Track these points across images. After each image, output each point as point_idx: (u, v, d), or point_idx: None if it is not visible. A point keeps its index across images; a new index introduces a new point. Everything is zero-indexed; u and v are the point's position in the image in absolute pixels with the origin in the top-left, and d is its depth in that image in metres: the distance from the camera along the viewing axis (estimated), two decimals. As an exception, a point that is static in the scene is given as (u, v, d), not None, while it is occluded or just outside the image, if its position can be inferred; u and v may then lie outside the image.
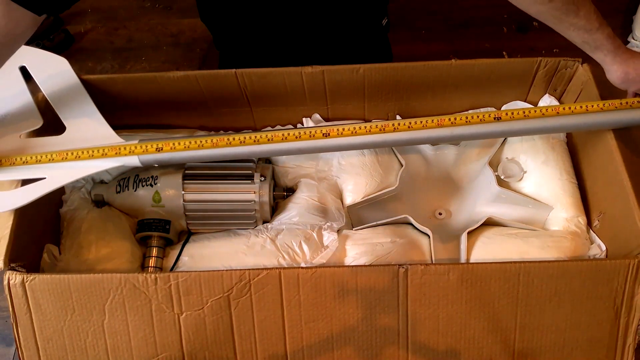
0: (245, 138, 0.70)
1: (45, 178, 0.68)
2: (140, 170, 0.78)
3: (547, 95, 0.84)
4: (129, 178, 0.78)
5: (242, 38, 0.93)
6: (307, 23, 0.89)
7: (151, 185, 0.77)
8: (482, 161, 0.81)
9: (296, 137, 0.70)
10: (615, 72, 0.70)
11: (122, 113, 0.82)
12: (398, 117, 0.86)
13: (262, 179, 0.78)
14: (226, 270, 0.64)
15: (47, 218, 0.75)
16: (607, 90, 0.74)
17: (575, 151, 0.80)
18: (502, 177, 0.79)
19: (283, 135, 0.71)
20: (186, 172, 0.77)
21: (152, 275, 0.63)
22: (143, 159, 0.70)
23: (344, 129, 0.70)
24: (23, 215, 0.67)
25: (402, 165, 0.82)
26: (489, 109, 0.85)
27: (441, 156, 0.85)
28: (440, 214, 0.83)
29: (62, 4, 0.66)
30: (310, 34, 0.91)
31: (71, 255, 0.73)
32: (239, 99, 0.83)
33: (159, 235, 0.76)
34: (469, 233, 0.74)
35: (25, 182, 0.69)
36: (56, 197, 0.78)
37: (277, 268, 0.64)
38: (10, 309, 0.64)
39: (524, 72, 0.80)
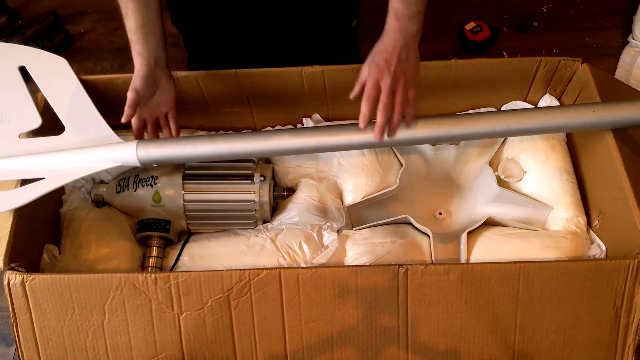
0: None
1: (44, 178, 0.68)
2: (140, 170, 0.78)
3: (547, 95, 0.83)
4: (129, 178, 0.78)
5: (212, 36, 0.93)
6: (277, 23, 0.89)
7: (151, 185, 0.76)
8: (482, 161, 0.81)
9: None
10: None
11: (122, 113, 0.82)
12: (398, 117, 0.86)
13: (262, 179, 0.78)
14: (226, 270, 0.64)
15: (47, 218, 0.75)
16: (606, 90, 0.74)
17: (575, 151, 0.80)
18: (502, 177, 0.79)
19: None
20: (186, 172, 0.77)
21: (152, 275, 0.63)
22: (142, 159, 0.70)
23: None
24: (23, 215, 0.67)
25: (402, 165, 0.82)
26: (489, 109, 0.85)
27: (441, 156, 0.85)
28: (440, 214, 0.83)
29: None
30: (279, 34, 0.91)
31: (71, 255, 0.73)
32: (239, 99, 0.83)
33: (159, 235, 0.76)
34: (469, 233, 0.74)
35: (25, 182, 0.69)
36: (56, 197, 0.78)
37: (277, 268, 0.64)
38: (10, 309, 0.64)
39: (524, 72, 0.80)
